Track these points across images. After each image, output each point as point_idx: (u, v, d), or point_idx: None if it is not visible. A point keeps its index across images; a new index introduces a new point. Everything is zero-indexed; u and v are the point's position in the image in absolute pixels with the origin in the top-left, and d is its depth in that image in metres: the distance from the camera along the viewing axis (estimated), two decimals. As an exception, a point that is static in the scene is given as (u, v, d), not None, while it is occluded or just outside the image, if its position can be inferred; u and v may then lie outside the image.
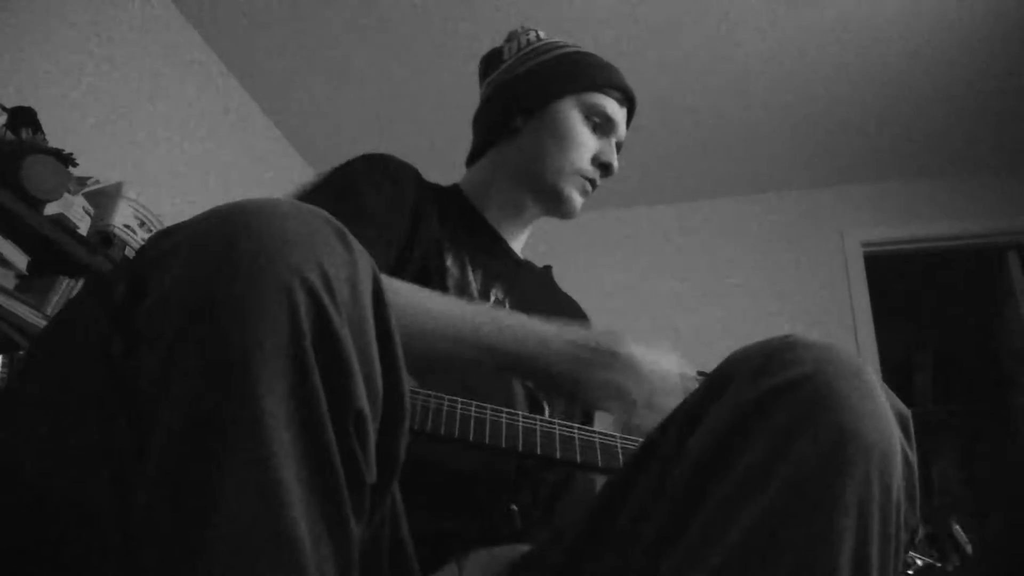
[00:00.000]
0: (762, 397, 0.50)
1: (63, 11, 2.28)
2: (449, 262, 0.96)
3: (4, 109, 1.79)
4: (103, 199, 1.96)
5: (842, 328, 3.20)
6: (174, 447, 0.41)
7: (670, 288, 3.56)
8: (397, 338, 0.51)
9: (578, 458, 0.74)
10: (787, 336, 0.54)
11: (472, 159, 1.15)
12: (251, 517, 0.40)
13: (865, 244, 3.44)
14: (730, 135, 3.28)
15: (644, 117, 3.19)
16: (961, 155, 3.32)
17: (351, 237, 0.49)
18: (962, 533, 0.89)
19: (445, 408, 0.74)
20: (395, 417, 0.52)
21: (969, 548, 0.88)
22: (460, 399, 0.75)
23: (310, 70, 3.04)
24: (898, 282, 3.81)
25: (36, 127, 1.80)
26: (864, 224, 3.48)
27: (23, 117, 1.78)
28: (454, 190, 1.12)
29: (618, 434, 0.78)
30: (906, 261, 3.56)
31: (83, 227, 1.85)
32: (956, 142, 3.24)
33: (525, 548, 0.71)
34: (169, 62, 2.74)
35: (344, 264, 0.47)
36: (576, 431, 0.77)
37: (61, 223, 1.77)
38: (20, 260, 1.69)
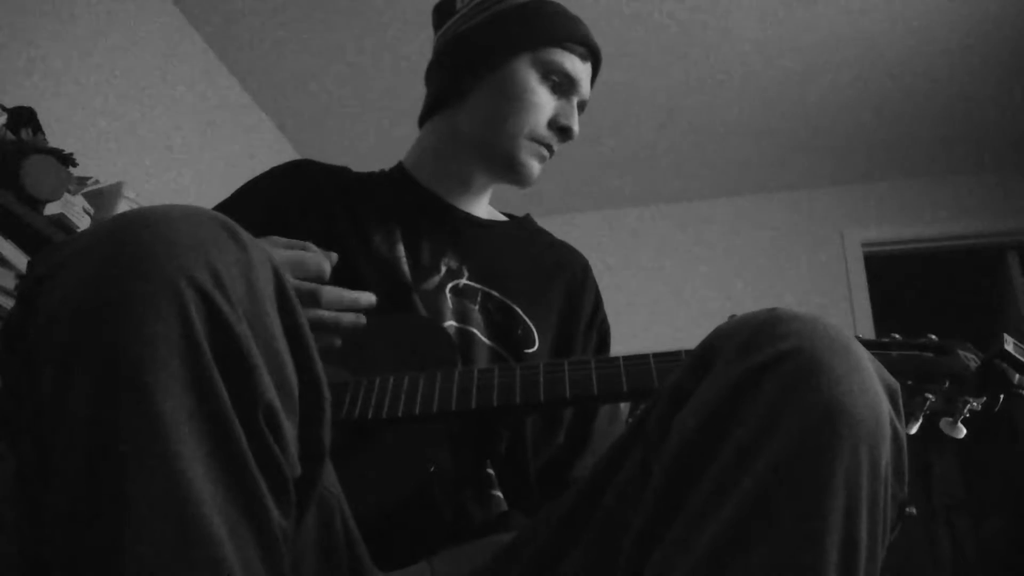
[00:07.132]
0: (748, 374, 0.49)
1: (63, 11, 2.28)
2: (377, 242, 0.93)
3: (4, 109, 1.79)
4: (103, 199, 1.96)
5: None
6: (78, 458, 0.41)
7: (670, 288, 3.56)
8: (307, 329, 0.51)
9: (518, 399, 0.71)
10: (773, 309, 0.53)
11: (424, 119, 1.06)
12: (162, 518, 0.40)
13: (865, 244, 3.44)
14: (730, 135, 3.28)
15: (644, 117, 3.20)
16: (961, 155, 3.32)
17: (245, 235, 0.49)
18: (1020, 345, 0.71)
19: (375, 391, 0.74)
20: (314, 408, 0.52)
21: None
22: (392, 377, 0.75)
23: (312, 71, 3.04)
24: (898, 282, 3.81)
25: (36, 127, 1.79)
26: (864, 224, 3.47)
27: (23, 117, 1.78)
28: (396, 170, 1.06)
29: (565, 361, 0.74)
30: (906, 261, 3.56)
31: (83, 227, 1.85)
32: (956, 142, 3.24)
33: (507, 537, 0.69)
34: (169, 62, 2.74)
35: (237, 261, 0.47)
36: (517, 371, 0.73)
37: (61, 223, 1.76)
38: (20, 260, 1.69)
